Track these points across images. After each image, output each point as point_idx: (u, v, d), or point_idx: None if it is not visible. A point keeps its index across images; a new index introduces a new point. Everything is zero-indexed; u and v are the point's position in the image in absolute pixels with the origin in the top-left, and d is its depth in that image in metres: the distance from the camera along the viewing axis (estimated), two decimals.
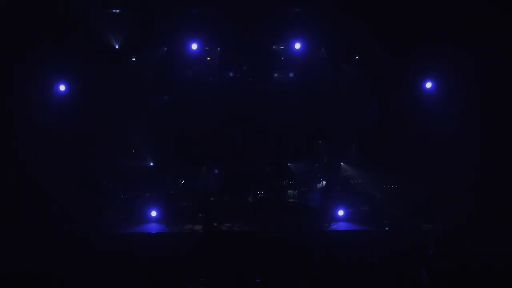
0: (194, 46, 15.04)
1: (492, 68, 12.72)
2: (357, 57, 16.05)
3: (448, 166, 13.41)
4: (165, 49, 15.47)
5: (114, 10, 13.49)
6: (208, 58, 16.69)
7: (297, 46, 15.26)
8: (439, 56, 13.50)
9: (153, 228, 11.95)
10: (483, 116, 13.13)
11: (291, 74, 17.48)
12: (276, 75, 17.46)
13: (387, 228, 11.79)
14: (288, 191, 14.85)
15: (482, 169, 12.81)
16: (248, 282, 8.03)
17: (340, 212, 12.95)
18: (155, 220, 12.38)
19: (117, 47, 14.22)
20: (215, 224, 12.19)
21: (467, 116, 13.40)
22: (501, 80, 12.74)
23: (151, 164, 14.79)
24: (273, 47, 16.15)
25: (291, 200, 14.21)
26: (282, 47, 16.18)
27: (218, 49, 16.42)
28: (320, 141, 16.64)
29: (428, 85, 14.58)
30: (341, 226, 12.30)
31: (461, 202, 12.08)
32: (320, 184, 14.62)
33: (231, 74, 17.41)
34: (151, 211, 12.58)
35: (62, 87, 13.66)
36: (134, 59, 15.37)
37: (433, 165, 13.65)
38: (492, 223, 11.00)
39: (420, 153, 14.02)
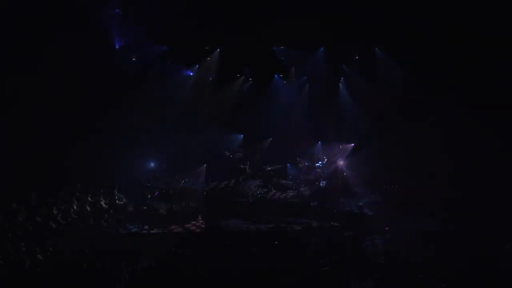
0: None
1: None
2: (357, 57, 16.11)
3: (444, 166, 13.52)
4: (165, 47, 15.55)
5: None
6: (208, 59, 16.76)
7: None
8: None
9: (153, 227, 11.94)
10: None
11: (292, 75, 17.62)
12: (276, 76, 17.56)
13: (387, 228, 11.79)
14: (288, 191, 14.88)
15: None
16: (247, 281, 8.06)
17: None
18: (156, 218, 12.38)
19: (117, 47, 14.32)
20: (215, 223, 12.19)
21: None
22: None
23: (152, 164, 14.81)
24: (273, 47, 16.21)
25: (291, 200, 14.19)
26: (282, 47, 16.22)
27: (218, 49, 16.50)
28: (319, 142, 16.70)
29: None
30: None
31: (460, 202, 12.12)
32: (321, 184, 14.63)
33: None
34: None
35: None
36: (134, 59, 15.41)
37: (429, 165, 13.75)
38: (491, 223, 11.01)
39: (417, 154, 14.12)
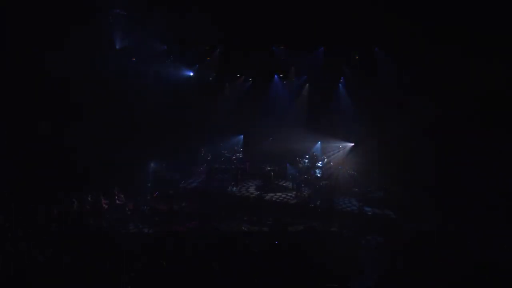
0: None
1: None
2: (357, 57, 16.10)
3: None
4: (165, 47, 15.54)
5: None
6: (208, 58, 16.76)
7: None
8: None
9: (153, 227, 11.94)
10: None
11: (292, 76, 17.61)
12: (276, 76, 17.55)
13: (387, 228, 11.79)
14: (288, 191, 14.88)
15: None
16: (247, 281, 8.05)
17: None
18: (156, 218, 12.38)
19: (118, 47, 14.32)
20: (215, 224, 12.19)
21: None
22: None
23: (152, 164, 14.80)
24: (273, 47, 16.20)
25: (291, 200, 14.21)
26: (282, 47, 16.22)
27: (218, 49, 16.49)
28: (319, 142, 16.69)
29: None
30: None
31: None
32: (321, 184, 14.61)
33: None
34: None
35: None
36: (134, 59, 15.40)
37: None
38: (491, 223, 11.01)
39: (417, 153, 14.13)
